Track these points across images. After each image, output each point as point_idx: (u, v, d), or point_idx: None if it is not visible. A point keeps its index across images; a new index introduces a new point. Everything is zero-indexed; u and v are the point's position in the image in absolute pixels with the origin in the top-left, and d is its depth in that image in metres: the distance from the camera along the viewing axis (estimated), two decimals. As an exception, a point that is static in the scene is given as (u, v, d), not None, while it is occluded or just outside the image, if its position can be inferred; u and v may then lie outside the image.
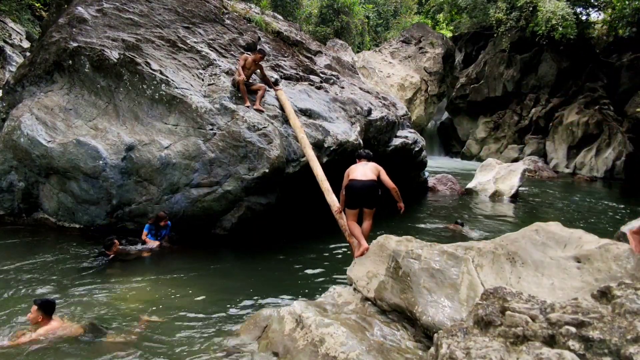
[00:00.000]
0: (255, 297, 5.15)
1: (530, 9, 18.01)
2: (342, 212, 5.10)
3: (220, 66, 7.78)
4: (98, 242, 6.62)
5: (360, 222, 4.86)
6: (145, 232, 6.62)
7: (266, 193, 6.88)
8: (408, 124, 11.01)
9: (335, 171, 5.99)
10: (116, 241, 6.15)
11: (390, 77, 21.79)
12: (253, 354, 3.57)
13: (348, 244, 5.33)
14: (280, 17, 12.50)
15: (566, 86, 19.93)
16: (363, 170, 4.84)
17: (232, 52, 8.44)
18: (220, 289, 5.40)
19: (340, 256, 6.61)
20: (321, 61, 10.71)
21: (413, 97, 21.99)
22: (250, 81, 7.51)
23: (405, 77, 22.05)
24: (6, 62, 15.96)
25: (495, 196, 11.88)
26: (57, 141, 7.05)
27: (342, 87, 9.45)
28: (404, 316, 3.54)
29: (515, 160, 18.12)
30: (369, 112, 8.87)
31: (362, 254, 4.42)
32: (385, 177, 4.89)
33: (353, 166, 5.02)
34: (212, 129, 6.78)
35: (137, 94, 7.17)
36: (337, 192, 5.60)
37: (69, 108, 7.40)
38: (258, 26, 9.85)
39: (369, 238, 4.62)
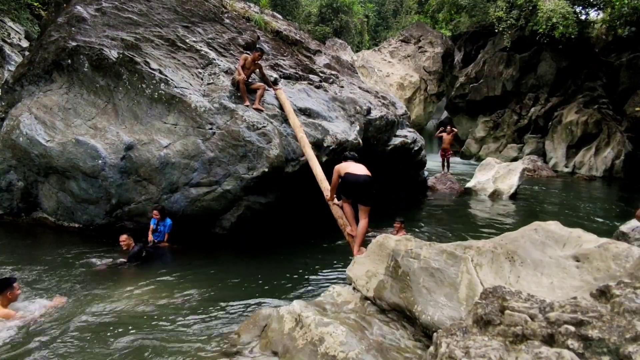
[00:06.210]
0: (255, 297, 5.16)
1: (530, 7, 18.03)
2: (333, 200, 5.52)
3: (219, 65, 7.77)
4: (97, 241, 6.61)
5: (356, 220, 4.99)
6: (151, 226, 6.65)
7: (265, 192, 6.88)
8: (407, 123, 11.01)
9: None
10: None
11: (389, 76, 21.80)
12: (252, 353, 3.57)
13: (348, 244, 5.35)
14: (279, 16, 12.49)
15: (565, 85, 19.93)
16: (357, 165, 4.96)
17: (231, 52, 8.43)
18: (220, 289, 5.40)
19: (339, 256, 6.61)
20: (320, 60, 10.70)
21: (412, 97, 22.00)
22: (250, 80, 7.50)
23: (405, 77, 22.06)
24: (5, 61, 15.91)
25: (495, 195, 11.88)
26: (56, 140, 7.05)
27: (342, 87, 9.44)
28: (403, 315, 3.53)
29: (515, 159, 18.11)
30: (369, 111, 8.86)
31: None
32: None
33: (343, 164, 5.19)
34: (211, 128, 6.78)
35: (136, 93, 7.16)
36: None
37: (68, 107, 7.39)
38: (257, 25, 9.84)
39: (366, 241, 4.62)
